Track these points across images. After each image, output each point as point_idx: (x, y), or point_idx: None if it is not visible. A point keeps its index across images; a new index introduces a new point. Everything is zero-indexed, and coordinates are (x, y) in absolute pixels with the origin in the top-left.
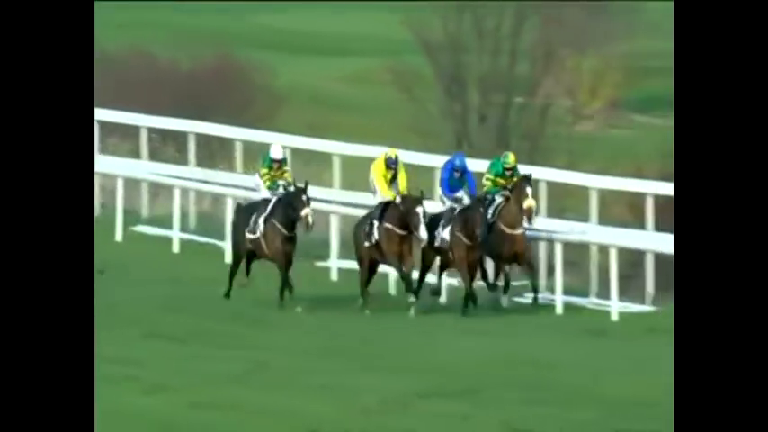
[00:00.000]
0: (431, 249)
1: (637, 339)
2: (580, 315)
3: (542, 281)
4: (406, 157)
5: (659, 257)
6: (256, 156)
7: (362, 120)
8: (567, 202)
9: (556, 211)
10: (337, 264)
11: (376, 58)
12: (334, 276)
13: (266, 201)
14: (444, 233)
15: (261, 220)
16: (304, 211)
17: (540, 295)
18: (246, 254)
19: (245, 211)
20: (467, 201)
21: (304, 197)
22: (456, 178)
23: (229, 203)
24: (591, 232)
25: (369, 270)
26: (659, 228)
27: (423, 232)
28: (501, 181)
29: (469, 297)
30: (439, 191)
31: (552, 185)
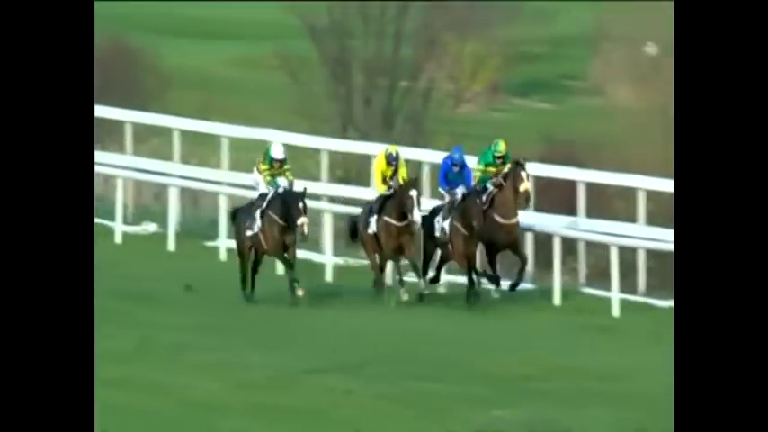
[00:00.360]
0: (430, 240)
1: (519, 317)
2: (465, 294)
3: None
4: (293, 139)
5: (538, 237)
6: (146, 138)
7: (250, 103)
8: None
9: (439, 195)
10: (226, 244)
11: (262, 42)
12: (222, 256)
13: (263, 196)
14: (444, 223)
15: (257, 215)
16: (300, 221)
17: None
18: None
19: (243, 212)
20: (459, 194)
21: (301, 205)
22: (455, 173)
23: (119, 185)
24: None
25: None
26: (538, 209)
27: (416, 215)
28: (491, 170)
29: (472, 289)
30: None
31: (436, 168)
